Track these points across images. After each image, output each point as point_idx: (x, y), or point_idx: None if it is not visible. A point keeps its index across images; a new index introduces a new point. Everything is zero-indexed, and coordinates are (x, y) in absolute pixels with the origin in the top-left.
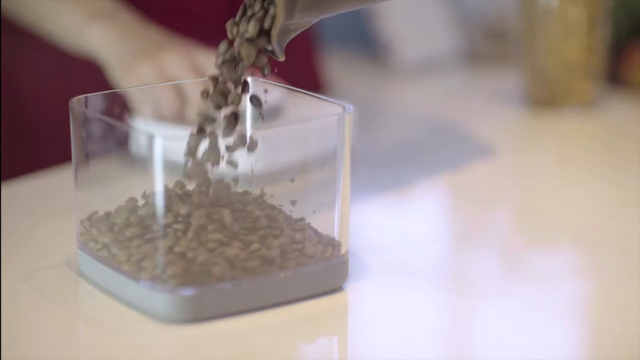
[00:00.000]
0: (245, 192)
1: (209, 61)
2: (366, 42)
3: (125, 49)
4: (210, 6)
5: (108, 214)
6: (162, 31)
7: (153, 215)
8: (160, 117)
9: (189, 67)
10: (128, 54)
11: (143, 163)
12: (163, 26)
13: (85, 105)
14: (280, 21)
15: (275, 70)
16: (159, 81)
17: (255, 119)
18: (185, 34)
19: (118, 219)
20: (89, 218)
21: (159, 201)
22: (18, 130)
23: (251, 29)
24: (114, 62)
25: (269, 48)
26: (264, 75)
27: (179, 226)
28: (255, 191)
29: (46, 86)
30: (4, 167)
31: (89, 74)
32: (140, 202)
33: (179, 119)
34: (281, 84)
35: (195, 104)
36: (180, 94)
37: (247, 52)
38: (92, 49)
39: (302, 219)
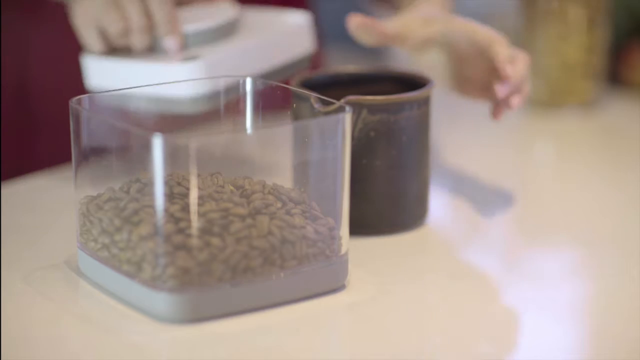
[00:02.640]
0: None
1: (160, 9)
2: None
3: None
4: None
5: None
6: None
7: (153, 214)
8: (107, 43)
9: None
10: None
11: (143, 163)
12: None
13: (86, 105)
14: None
15: None
16: (108, 8)
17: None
18: None
19: (117, 220)
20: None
21: (159, 201)
22: (19, 130)
23: None
24: None
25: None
26: None
27: (179, 226)
28: (256, 187)
29: (47, 87)
30: (4, 167)
31: None
32: (136, 195)
33: (125, 43)
34: (281, 84)
35: (139, 30)
36: (125, 16)
37: None
38: None
39: (302, 218)
